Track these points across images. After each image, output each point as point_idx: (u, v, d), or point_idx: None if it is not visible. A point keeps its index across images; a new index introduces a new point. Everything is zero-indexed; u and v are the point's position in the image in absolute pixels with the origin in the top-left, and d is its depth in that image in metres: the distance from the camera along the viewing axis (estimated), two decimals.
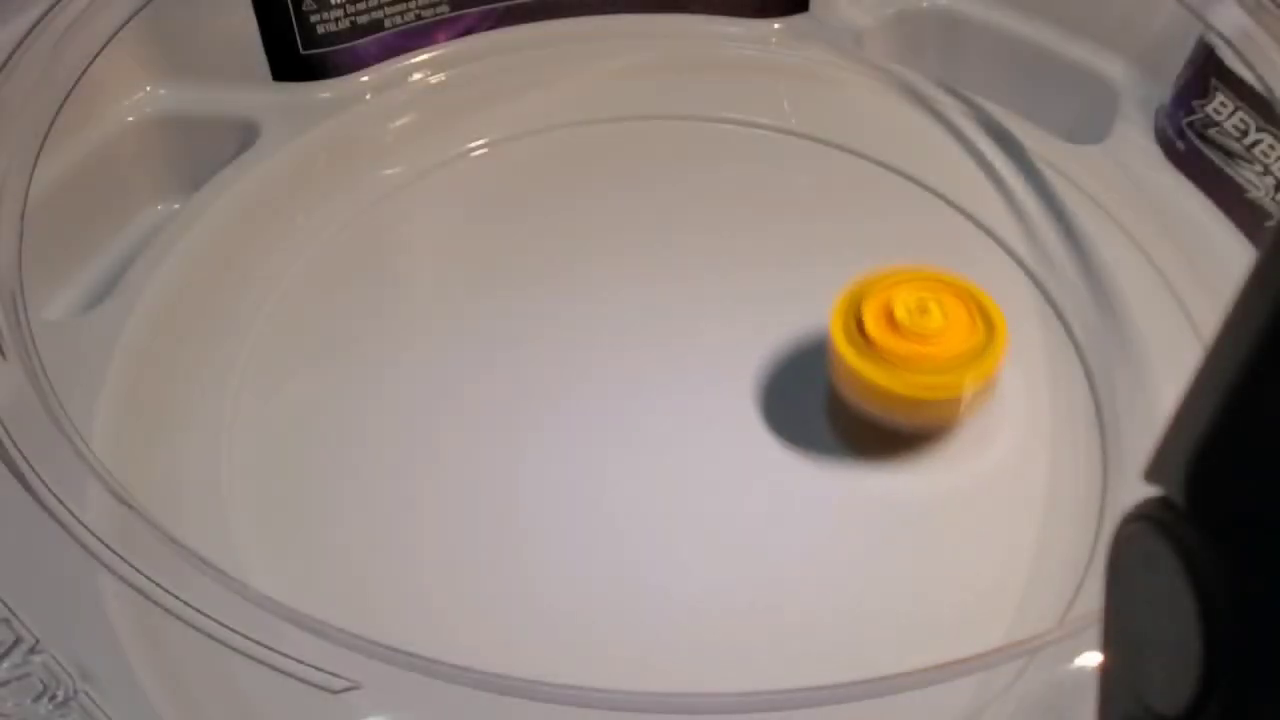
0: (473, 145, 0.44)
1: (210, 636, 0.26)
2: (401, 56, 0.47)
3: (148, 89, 0.44)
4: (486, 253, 0.41)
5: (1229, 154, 0.41)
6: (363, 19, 0.45)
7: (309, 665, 0.26)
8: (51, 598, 0.27)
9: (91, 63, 0.38)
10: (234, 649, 0.26)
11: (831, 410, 0.36)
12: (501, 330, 0.39)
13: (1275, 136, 0.39)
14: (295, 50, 0.44)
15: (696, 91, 0.46)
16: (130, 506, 0.29)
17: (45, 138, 0.36)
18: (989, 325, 0.34)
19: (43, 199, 0.38)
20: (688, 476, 0.35)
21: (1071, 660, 0.27)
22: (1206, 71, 0.41)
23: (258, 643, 0.26)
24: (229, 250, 0.40)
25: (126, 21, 0.40)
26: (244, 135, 0.44)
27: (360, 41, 0.45)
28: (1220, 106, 0.41)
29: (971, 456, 0.36)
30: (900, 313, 0.33)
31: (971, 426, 0.36)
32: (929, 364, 0.33)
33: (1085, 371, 0.37)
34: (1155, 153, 0.43)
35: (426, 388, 0.37)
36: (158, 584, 0.27)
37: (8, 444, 0.29)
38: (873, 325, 0.33)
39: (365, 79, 0.46)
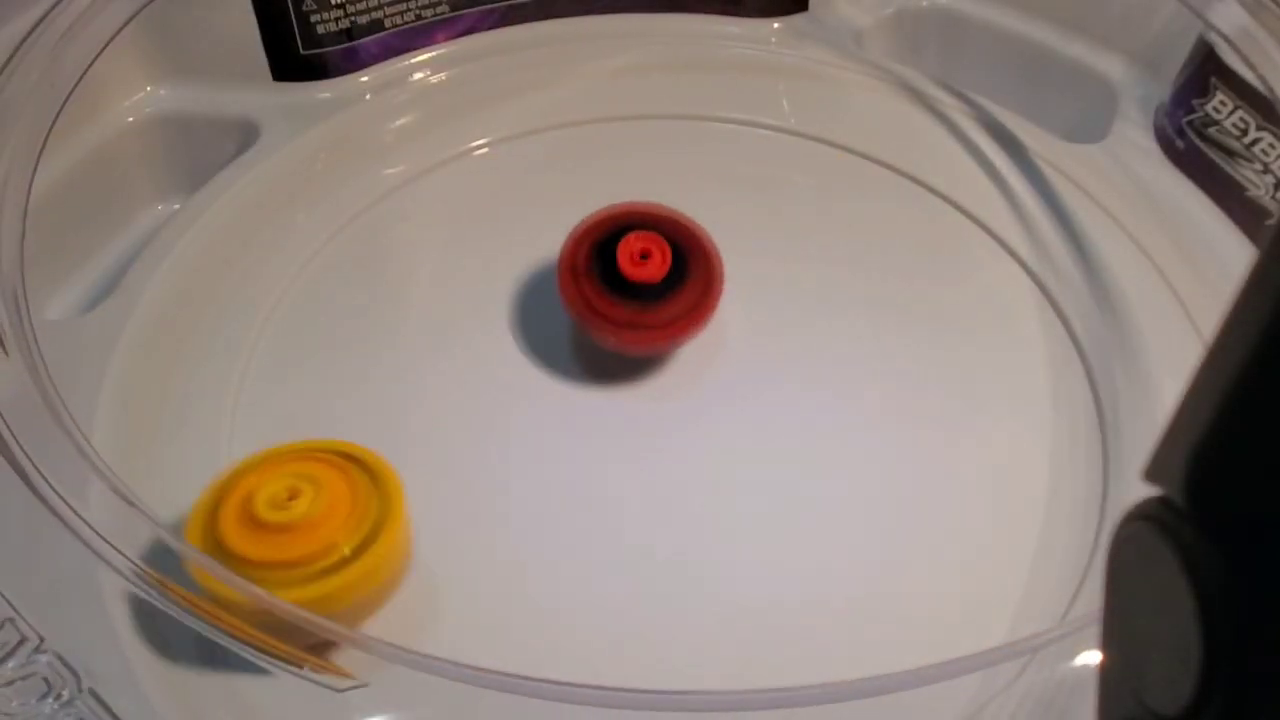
0: (473, 145, 0.44)
1: (212, 636, 0.26)
2: (401, 56, 0.47)
3: (148, 89, 0.44)
4: (486, 252, 0.41)
5: (1229, 153, 0.41)
6: (363, 19, 0.45)
7: (312, 664, 0.26)
8: (55, 597, 0.27)
9: (92, 63, 0.38)
10: (236, 649, 0.26)
11: (850, 409, 0.37)
12: (501, 330, 0.39)
13: (1275, 135, 0.40)
14: (295, 50, 0.44)
15: (696, 91, 0.46)
16: (133, 505, 0.29)
17: (46, 138, 0.36)
18: (380, 493, 0.29)
19: (44, 199, 0.38)
20: (690, 474, 0.35)
21: (1072, 659, 0.27)
22: (1206, 70, 0.41)
23: (259, 643, 0.26)
24: (229, 250, 0.40)
25: (127, 22, 0.40)
26: (244, 135, 0.44)
27: (360, 41, 0.45)
28: (1220, 105, 0.41)
29: (972, 457, 0.36)
30: (261, 507, 0.28)
31: (971, 425, 0.36)
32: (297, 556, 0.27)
33: (1085, 371, 0.37)
34: (1155, 152, 0.43)
35: (426, 387, 0.37)
36: (161, 582, 0.27)
37: (10, 443, 0.29)
38: (230, 531, 0.27)
39: (365, 79, 0.46)
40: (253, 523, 0.27)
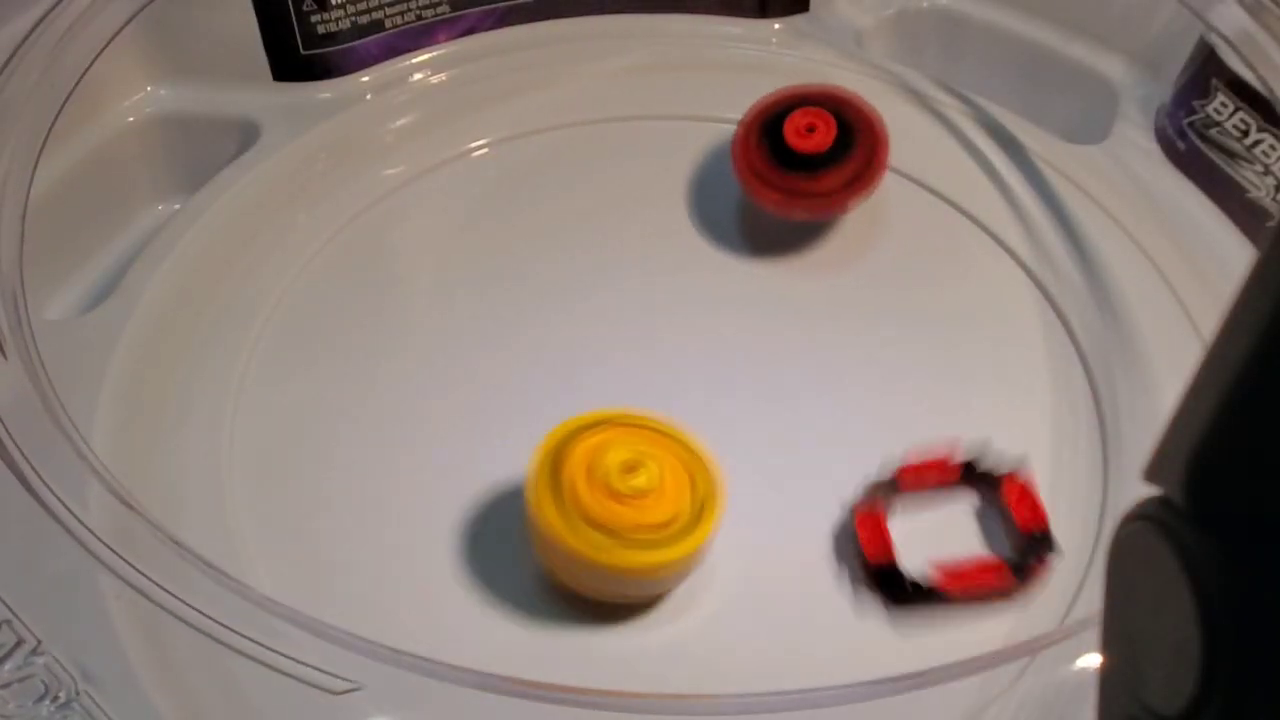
0: (473, 145, 0.44)
1: (211, 637, 0.26)
2: (402, 56, 0.47)
3: (148, 89, 0.44)
4: (486, 252, 0.41)
5: (1230, 154, 0.41)
6: (363, 19, 0.45)
7: (310, 666, 0.26)
8: (53, 599, 0.27)
9: (92, 63, 0.38)
10: (235, 650, 0.26)
11: (848, 409, 0.36)
12: (502, 329, 0.39)
13: (1276, 137, 0.39)
14: (296, 50, 0.44)
15: (697, 91, 0.46)
16: (131, 507, 0.29)
17: (46, 138, 0.36)
18: (707, 487, 0.30)
19: (43, 199, 0.38)
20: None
21: (1072, 662, 0.27)
22: (1207, 71, 0.41)
23: (259, 644, 0.26)
24: (229, 250, 0.40)
25: (127, 22, 0.40)
26: (244, 135, 0.44)
27: (361, 42, 0.45)
28: (1221, 106, 0.41)
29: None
30: (610, 471, 0.29)
31: (971, 425, 0.36)
32: (638, 532, 0.29)
33: (1085, 371, 0.37)
34: (1155, 153, 0.43)
35: (427, 387, 0.37)
36: (158, 584, 0.27)
37: (8, 444, 0.29)
38: (584, 495, 0.29)
39: (365, 79, 0.46)
40: (604, 489, 0.29)
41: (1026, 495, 0.33)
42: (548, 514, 0.29)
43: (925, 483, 0.34)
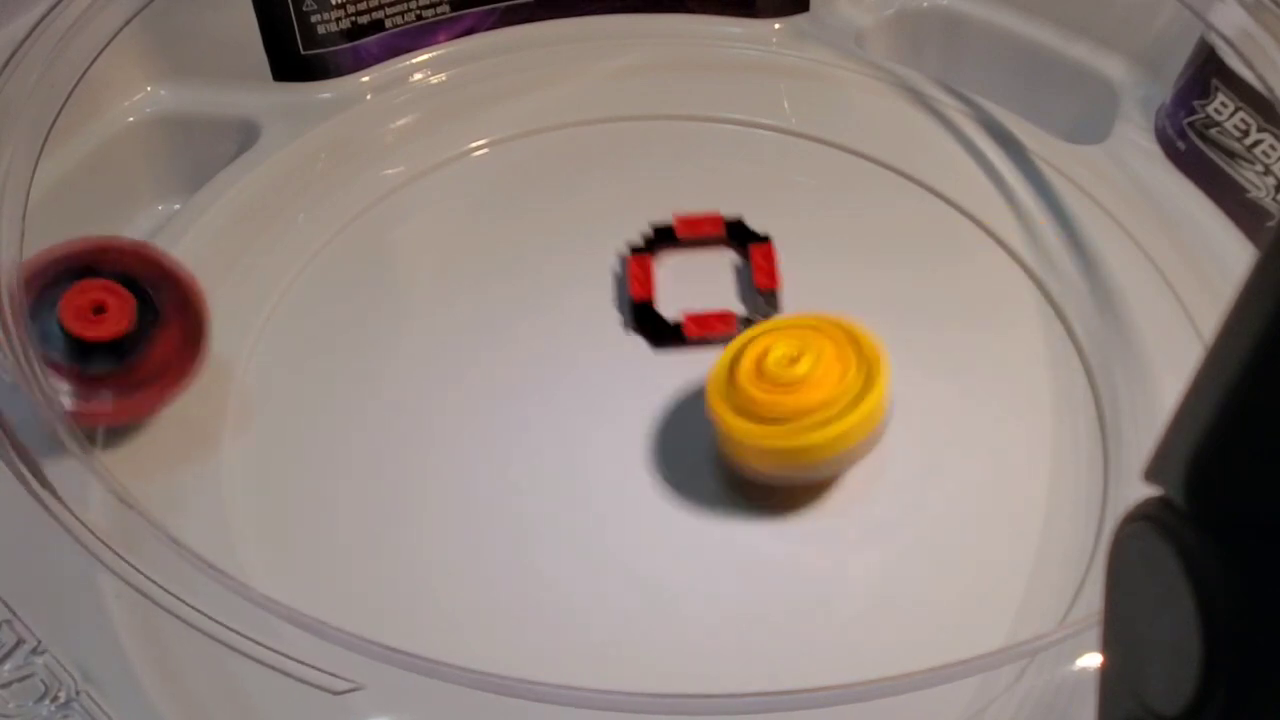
0: (473, 145, 0.44)
1: (211, 637, 0.26)
2: (402, 56, 0.47)
3: (148, 89, 0.44)
4: (486, 252, 0.41)
5: (1230, 154, 0.41)
6: (363, 19, 0.45)
7: (310, 666, 0.26)
8: (53, 599, 0.27)
9: (92, 63, 0.38)
10: (235, 650, 0.26)
11: None
12: (503, 330, 0.39)
13: (1276, 137, 0.39)
14: (296, 50, 0.44)
15: (696, 91, 0.46)
16: (131, 506, 0.29)
17: (46, 138, 0.36)
18: (866, 368, 0.32)
19: (44, 199, 0.38)
20: (692, 477, 0.35)
21: (1072, 661, 0.27)
22: (1207, 71, 0.41)
23: (259, 644, 0.26)
24: (229, 251, 0.40)
25: (127, 22, 0.40)
26: (244, 135, 0.44)
27: (361, 41, 0.45)
28: (1221, 106, 0.41)
29: (971, 457, 0.36)
30: (770, 362, 0.32)
31: (971, 425, 0.36)
32: (793, 414, 0.32)
33: (1085, 371, 0.37)
34: (1155, 153, 0.43)
35: (427, 388, 0.37)
36: (158, 584, 0.27)
37: (9, 444, 0.29)
38: (744, 378, 0.32)
39: (365, 79, 0.46)
40: (764, 377, 0.32)
41: (768, 260, 0.39)
42: (727, 418, 0.32)
43: (697, 232, 0.40)
